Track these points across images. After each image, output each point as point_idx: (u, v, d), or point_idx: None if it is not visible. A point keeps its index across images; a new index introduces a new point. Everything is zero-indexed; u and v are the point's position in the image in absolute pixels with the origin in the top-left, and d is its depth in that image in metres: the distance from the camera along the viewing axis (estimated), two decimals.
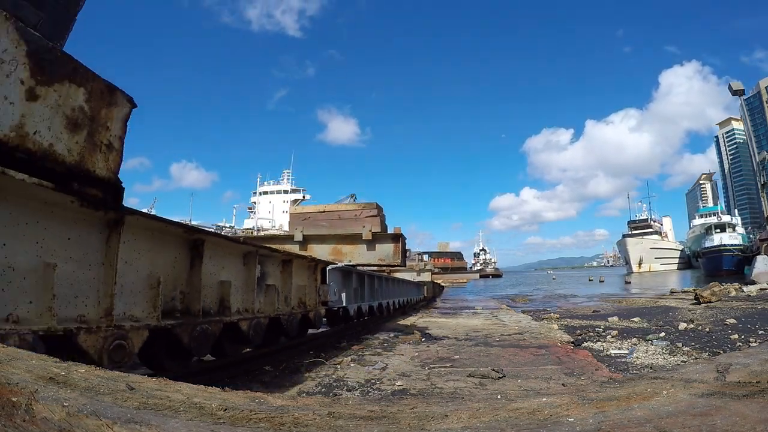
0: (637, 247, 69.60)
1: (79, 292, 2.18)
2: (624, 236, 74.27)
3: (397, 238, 10.16)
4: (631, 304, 13.04)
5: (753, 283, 18.76)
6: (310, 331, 5.34)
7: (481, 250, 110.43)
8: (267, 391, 3.15)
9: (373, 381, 3.65)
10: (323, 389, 3.40)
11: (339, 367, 4.24)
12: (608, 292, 23.19)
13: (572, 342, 5.68)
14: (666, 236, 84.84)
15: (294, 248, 9.46)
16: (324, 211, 10.86)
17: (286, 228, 58.69)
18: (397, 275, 11.25)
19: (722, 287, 13.70)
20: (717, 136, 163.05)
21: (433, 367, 4.18)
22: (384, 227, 10.64)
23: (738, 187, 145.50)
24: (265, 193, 64.55)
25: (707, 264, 41.95)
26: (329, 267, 5.32)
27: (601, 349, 5.20)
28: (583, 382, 3.34)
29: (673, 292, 16.72)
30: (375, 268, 9.68)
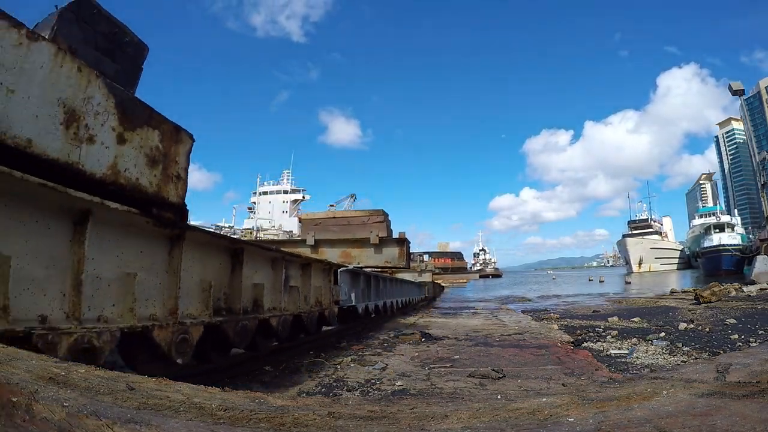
0: (637, 247, 69.58)
1: (150, 295, 2.61)
2: (624, 236, 74.25)
3: (402, 242, 11.26)
4: (631, 304, 13.04)
5: (753, 283, 18.77)
6: (321, 328, 5.55)
7: (480, 250, 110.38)
8: (267, 391, 3.15)
9: (373, 381, 3.65)
10: (323, 389, 3.40)
11: (339, 367, 4.24)
12: (608, 292, 23.19)
13: (572, 342, 5.68)
14: (666, 236, 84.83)
15: (306, 251, 9.94)
16: (334, 217, 12.06)
17: (285, 228, 58.77)
18: (400, 276, 11.45)
19: (722, 287, 13.70)
20: (717, 136, 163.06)
21: (433, 368, 4.18)
22: (389, 232, 11.45)
23: (738, 187, 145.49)
24: (265, 193, 64.56)
25: (706, 264, 41.94)
26: (340, 269, 5.71)
27: (601, 349, 5.20)
28: (583, 382, 3.34)
29: (673, 292, 16.71)
30: (380, 269, 10.20)
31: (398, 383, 3.54)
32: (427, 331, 6.83)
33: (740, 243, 41.18)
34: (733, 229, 45.42)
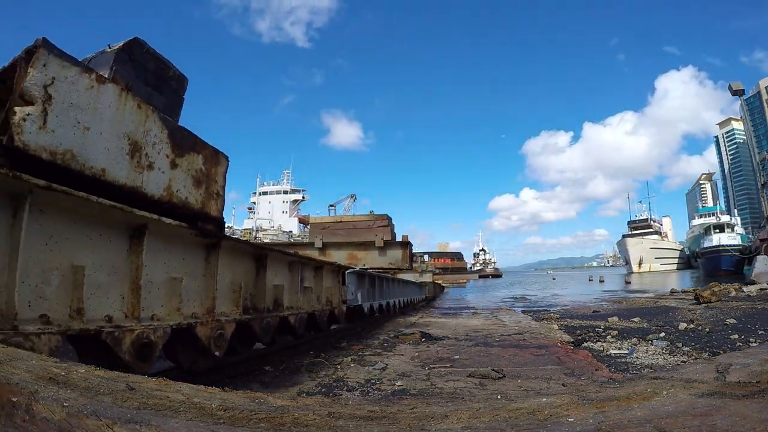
0: (637, 247, 69.55)
1: (192, 296, 2.97)
2: (624, 236, 74.21)
3: (405, 245, 12.05)
4: (631, 304, 13.04)
5: (753, 283, 18.76)
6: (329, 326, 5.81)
7: (480, 251, 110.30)
8: (267, 391, 3.15)
9: (373, 381, 3.65)
10: (323, 389, 3.40)
11: (339, 367, 4.24)
12: (608, 292, 23.19)
13: (572, 342, 5.68)
14: (666, 236, 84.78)
15: (314, 254, 10.51)
16: (341, 222, 12.86)
17: (285, 228, 58.72)
18: (402, 276, 11.70)
19: (722, 287, 13.70)
20: (717, 137, 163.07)
21: (433, 368, 4.18)
22: (393, 235, 12.21)
23: (738, 187, 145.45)
24: (265, 193, 64.53)
25: (706, 264, 41.92)
26: (347, 271, 6.04)
27: (601, 349, 5.20)
28: (583, 382, 3.34)
29: (673, 292, 16.71)
30: (384, 270, 10.64)
31: (398, 383, 3.54)
32: (427, 331, 6.83)
33: (740, 243, 41.14)
34: (733, 230, 45.39)
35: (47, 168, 2.13)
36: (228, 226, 51.78)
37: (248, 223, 57.14)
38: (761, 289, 13.69)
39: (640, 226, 78.77)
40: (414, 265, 14.96)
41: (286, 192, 65.29)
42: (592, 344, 5.54)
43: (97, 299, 2.28)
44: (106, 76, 2.71)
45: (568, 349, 5.14)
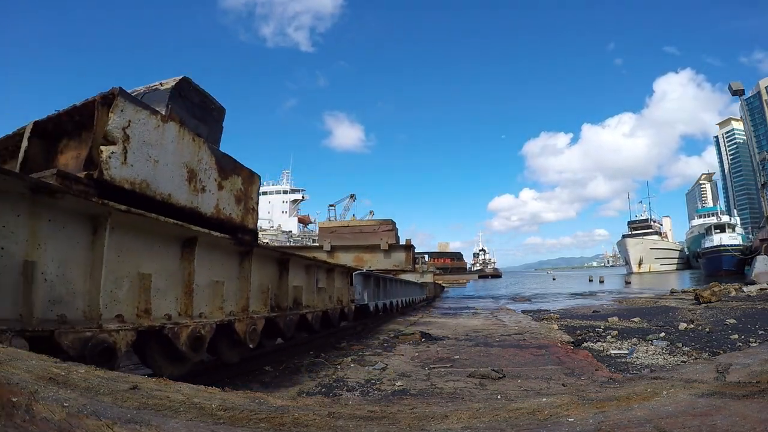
0: (637, 248, 69.49)
1: (230, 297, 3.40)
2: (624, 236, 74.14)
3: (409, 248, 12.95)
4: (631, 304, 13.04)
5: (753, 283, 18.76)
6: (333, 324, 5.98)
7: (480, 251, 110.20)
8: (267, 392, 3.15)
9: (373, 381, 3.65)
10: (323, 389, 3.40)
11: (339, 367, 4.24)
12: (608, 291, 23.18)
13: (572, 342, 5.68)
14: (666, 236, 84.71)
15: (323, 256, 11.05)
16: (348, 226, 13.79)
17: (285, 228, 58.66)
18: (404, 277, 12.14)
19: (722, 287, 13.69)
20: (717, 136, 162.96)
21: (433, 368, 4.18)
22: (397, 239, 13.11)
23: (738, 187, 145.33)
24: (264, 193, 64.54)
25: (707, 264, 41.89)
26: (355, 272, 6.54)
27: (601, 349, 5.20)
28: (583, 382, 3.34)
29: (673, 292, 16.70)
30: (388, 272, 11.29)
31: (398, 383, 3.54)
32: (427, 331, 6.83)
33: (740, 243, 41.13)
34: (733, 230, 45.37)
35: (128, 195, 2.61)
36: None
37: None
38: (761, 289, 13.69)
39: (640, 227, 78.71)
40: (416, 266, 15.38)
41: (285, 192, 65.28)
42: (592, 344, 5.54)
43: (158, 300, 2.68)
44: (163, 112, 3.19)
45: (568, 349, 5.14)
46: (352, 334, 6.57)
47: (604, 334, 6.48)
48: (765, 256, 25.19)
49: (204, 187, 3.33)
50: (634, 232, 76.49)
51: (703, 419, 1.34)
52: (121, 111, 2.61)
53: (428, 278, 17.14)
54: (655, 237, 75.17)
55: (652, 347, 5.16)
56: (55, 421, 0.94)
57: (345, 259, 12.02)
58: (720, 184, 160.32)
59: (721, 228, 45.25)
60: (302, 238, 57.54)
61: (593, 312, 10.73)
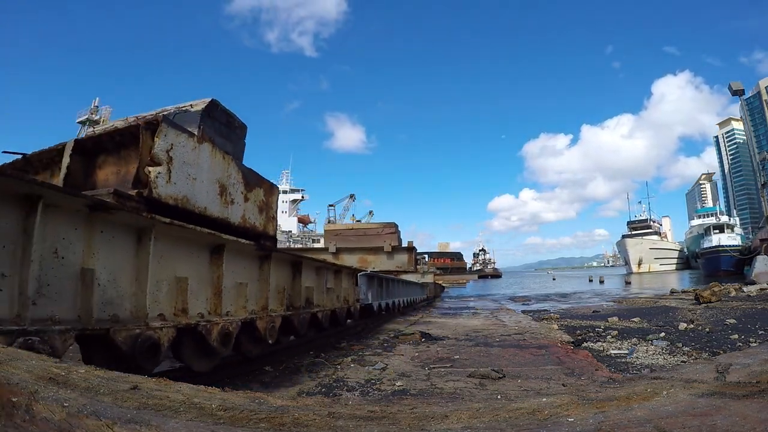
0: (636, 248, 69.44)
1: (251, 297, 3.69)
2: (623, 237, 74.09)
3: (411, 250, 13.55)
4: (631, 304, 13.04)
5: (753, 283, 18.76)
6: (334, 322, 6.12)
7: (480, 251, 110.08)
8: (267, 391, 3.15)
9: (373, 381, 3.65)
10: (323, 389, 3.40)
11: (339, 367, 4.24)
12: (608, 291, 23.19)
13: (572, 342, 5.68)
14: (665, 237, 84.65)
15: (328, 257, 11.53)
16: (353, 229, 14.49)
17: (284, 228, 58.53)
18: (405, 277, 12.47)
19: (722, 287, 13.69)
20: (717, 137, 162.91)
21: (433, 368, 4.18)
22: (400, 241, 13.68)
23: (738, 187, 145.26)
24: None
25: (705, 264, 41.91)
26: (359, 273, 6.85)
27: (601, 349, 5.20)
28: (583, 382, 3.34)
29: (673, 292, 16.70)
30: (391, 272, 11.65)
31: (398, 383, 3.54)
32: (427, 331, 6.83)
33: (740, 244, 41.14)
34: (732, 230, 45.38)
35: (171, 209, 2.98)
36: None
37: None
38: (761, 289, 13.69)
39: (639, 227, 78.65)
40: (417, 267, 15.80)
41: (285, 192, 65.26)
42: (592, 344, 5.54)
43: (193, 301, 2.97)
44: (195, 132, 3.53)
45: (568, 349, 5.14)
46: (353, 334, 6.57)
47: (604, 334, 6.48)
48: (765, 256, 25.19)
49: (233, 200, 3.76)
50: (633, 233, 76.44)
51: (703, 419, 1.34)
52: (165, 135, 2.99)
53: (429, 278, 17.46)
54: (655, 237, 75.13)
55: (652, 347, 5.16)
56: (55, 421, 0.94)
57: (350, 260, 12.45)
58: (720, 184, 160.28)
59: (720, 228, 45.26)
60: (302, 238, 57.54)
61: (593, 312, 10.73)
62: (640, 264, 67.89)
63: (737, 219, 56.35)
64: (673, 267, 72.28)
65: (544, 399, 1.68)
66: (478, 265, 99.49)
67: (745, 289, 14.31)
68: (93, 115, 40.25)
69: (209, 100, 4.07)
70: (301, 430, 1.20)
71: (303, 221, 66.74)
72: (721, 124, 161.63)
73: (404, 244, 13.70)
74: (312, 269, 5.10)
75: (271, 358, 4.32)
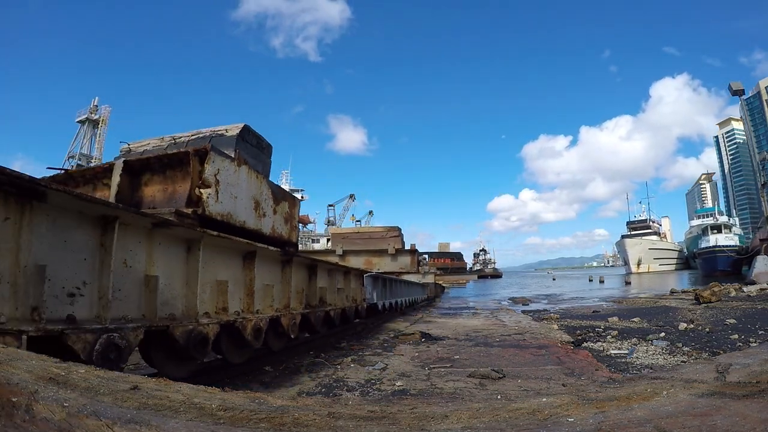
0: (636, 248, 69.36)
1: (276, 296, 4.12)
2: (623, 237, 74.01)
3: (413, 252, 14.39)
4: (631, 304, 13.04)
5: (753, 283, 18.75)
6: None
7: (480, 251, 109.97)
8: (267, 392, 3.15)
9: (373, 381, 3.65)
10: (323, 389, 3.40)
11: (339, 367, 4.24)
12: (608, 292, 23.18)
13: (572, 342, 5.67)
14: (665, 237, 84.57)
15: (335, 260, 12.02)
16: (358, 232, 15.54)
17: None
18: (407, 277, 12.96)
19: (722, 287, 13.68)
20: (717, 137, 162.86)
21: (433, 368, 4.17)
22: (403, 244, 14.53)
23: (738, 187, 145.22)
24: None
25: (703, 264, 41.93)
26: (366, 274, 7.35)
27: (601, 349, 5.20)
28: (583, 382, 3.34)
29: (673, 292, 16.69)
30: (394, 274, 12.38)
31: (398, 383, 3.54)
32: (427, 331, 6.83)
33: (737, 244, 41.13)
34: (730, 230, 45.34)
35: (218, 224, 3.55)
36: None
37: None
38: (761, 289, 13.69)
39: (639, 227, 78.56)
40: (419, 268, 16.24)
41: None
42: (592, 344, 5.54)
43: (231, 301, 3.36)
44: (232, 155, 4.02)
45: (568, 349, 5.13)
46: (352, 334, 6.57)
47: (604, 334, 6.47)
48: (765, 256, 25.16)
49: (264, 213, 4.38)
50: (633, 233, 76.34)
51: (703, 419, 1.34)
52: (213, 162, 3.60)
53: (429, 279, 17.88)
54: (654, 237, 75.06)
55: (652, 347, 5.16)
56: (55, 421, 0.94)
57: (356, 262, 13.11)
58: (720, 185, 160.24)
59: (718, 228, 45.22)
60: (302, 237, 57.49)
61: (593, 312, 10.73)
62: (639, 264, 67.82)
63: (737, 219, 56.33)
64: (673, 267, 72.22)
65: (544, 399, 1.68)
66: (478, 265, 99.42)
67: (745, 289, 14.30)
68: (92, 115, 40.19)
69: (242, 125, 4.67)
70: (301, 430, 1.20)
71: (303, 221, 66.69)
72: (721, 124, 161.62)
73: (407, 247, 14.42)
74: (325, 271, 5.51)
75: (271, 358, 4.32)
